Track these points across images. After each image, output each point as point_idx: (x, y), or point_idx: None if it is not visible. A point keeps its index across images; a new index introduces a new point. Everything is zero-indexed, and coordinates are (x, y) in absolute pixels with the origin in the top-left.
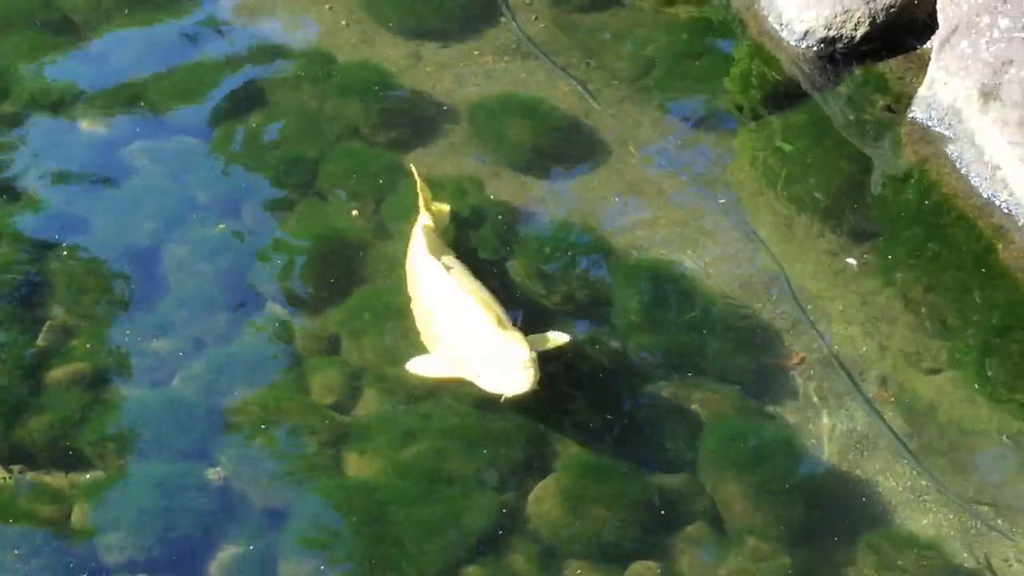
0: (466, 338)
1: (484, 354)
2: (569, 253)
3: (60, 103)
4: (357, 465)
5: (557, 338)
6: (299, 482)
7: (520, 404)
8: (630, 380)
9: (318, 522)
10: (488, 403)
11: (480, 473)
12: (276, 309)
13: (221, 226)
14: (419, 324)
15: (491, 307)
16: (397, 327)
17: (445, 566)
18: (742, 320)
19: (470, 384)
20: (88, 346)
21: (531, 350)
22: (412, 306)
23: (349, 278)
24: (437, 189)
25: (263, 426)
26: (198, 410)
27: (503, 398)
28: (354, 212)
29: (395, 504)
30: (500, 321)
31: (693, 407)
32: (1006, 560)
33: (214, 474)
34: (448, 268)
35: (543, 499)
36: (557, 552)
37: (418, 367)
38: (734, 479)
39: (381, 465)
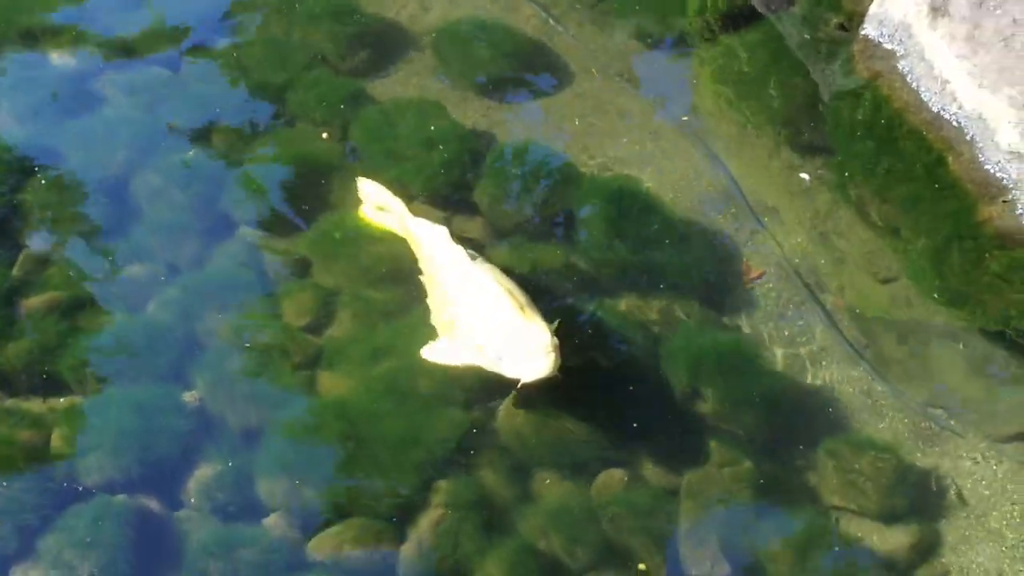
0: (485, 323)
1: (504, 339)
2: (533, 173)
3: (29, 35)
4: (330, 384)
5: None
6: (273, 402)
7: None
8: (594, 295)
9: (293, 440)
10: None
11: (449, 390)
12: (248, 233)
13: (191, 153)
14: (433, 307)
15: (514, 295)
16: (367, 249)
17: (417, 480)
18: (702, 235)
19: None
20: (67, 274)
21: (553, 335)
22: (428, 294)
23: (319, 201)
24: (402, 113)
25: (238, 348)
26: (173, 334)
27: (520, 383)
28: (324, 135)
29: (367, 421)
30: (522, 308)
31: (656, 320)
32: (960, 457)
33: (190, 396)
34: (474, 257)
35: (512, 414)
36: (526, 464)
37: (434, 353)
38: (698, 388)
39: (353, 384)
